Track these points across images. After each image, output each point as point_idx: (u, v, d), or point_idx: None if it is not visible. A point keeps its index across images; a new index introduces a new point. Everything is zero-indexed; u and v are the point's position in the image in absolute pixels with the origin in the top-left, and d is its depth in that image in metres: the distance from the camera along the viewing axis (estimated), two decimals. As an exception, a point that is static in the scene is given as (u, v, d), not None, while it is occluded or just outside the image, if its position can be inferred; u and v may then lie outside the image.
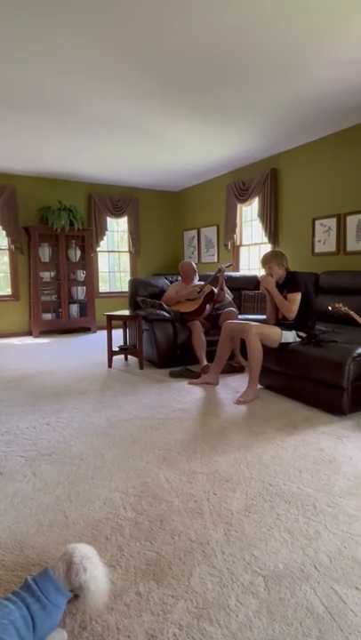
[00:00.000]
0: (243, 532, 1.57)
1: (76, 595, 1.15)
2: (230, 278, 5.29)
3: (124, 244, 7.78)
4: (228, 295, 4.66)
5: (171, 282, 4.95)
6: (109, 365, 4.38)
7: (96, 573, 1.13)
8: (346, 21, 2.69)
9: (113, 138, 4.89)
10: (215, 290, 4.45)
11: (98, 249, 7.26)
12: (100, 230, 7.17)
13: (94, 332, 7.03)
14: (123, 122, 4.40)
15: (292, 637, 1.12)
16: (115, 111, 4.11)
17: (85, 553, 1.16)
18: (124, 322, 4.69)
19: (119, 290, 7.73)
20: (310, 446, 2.33)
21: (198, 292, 4.45)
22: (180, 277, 4.80)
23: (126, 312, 4.56)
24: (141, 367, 4.25)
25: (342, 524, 1.61)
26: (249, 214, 6.41)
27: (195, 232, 7.51)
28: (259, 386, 3.36)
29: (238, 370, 4.06)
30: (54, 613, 1.07)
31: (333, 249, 4.90)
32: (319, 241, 5.08)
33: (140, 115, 4.21)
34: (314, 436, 2.49)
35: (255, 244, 6.29)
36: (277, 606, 1.22)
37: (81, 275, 6.94)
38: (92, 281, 6.98)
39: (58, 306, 6.81)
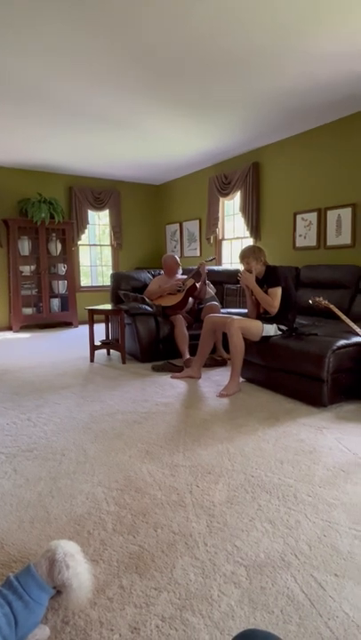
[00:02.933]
0: (225, 523, 1.59)
1: (59, 591, 1.14)
2: (213, 272, 5.30)
3: (106, 238, 7.70)
4: (211, 289, 4.67)
5: (153, 276, 4.94)
6: (91, 360, 4.35)
7: (79, 570, 1.13)
8: (331, 16, 2.70)
9: (94, 129, 4.82)
10: (197, 284, 4.46)
11: (79, 242, 7.17)
12: (82, 223, 7.08)
13: (76, 326, 6.96)
14: (103, 113, 4.33)
15: (273, 625, 1.14)
16: (95, 103, 4.05)
17: (68, 550, 1.15)
18: (107, 316, 4.66)
19: (101, 284, 7.66)
20: (291, 437, 2.37)
21: (181, 286, 4.45)
22: (162, 271, 4.79)
23: (108, 306, 4.53)
24: (124, 361, 4.23)
25: (322, 512, 1.65)
26: (231, 208, 6.42)
27: (177, 226, 7.48)
28: (241, 379, 3.39)
29: (221, 363, 4.08)
30: (37, 610, 1.07)
31: (314, 243, 4.96)
32: (300, 235, 5.13)
33: (121, 107, 4.16)
34: (295, 427, 2.53)
35: (237, 237, 6.32)
36: (259, 595, 1.24)
37: (62, 268, 6.85)
38: (73, 275, 6.90)
39: (38, 300, 6.71)
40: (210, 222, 6.49)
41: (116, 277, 4.78)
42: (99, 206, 7.21)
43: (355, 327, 3.03)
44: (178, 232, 7.48)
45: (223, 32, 2.88)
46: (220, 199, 6.30)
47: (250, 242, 5.85)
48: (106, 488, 1.85)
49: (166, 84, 3.67)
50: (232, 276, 5.40)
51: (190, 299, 4.50)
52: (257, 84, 3.70)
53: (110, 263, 7.74)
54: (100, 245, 7.66)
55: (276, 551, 1.43)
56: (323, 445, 2.27)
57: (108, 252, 7.72)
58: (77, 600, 1.12)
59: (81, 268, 7.42)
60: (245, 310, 3.76)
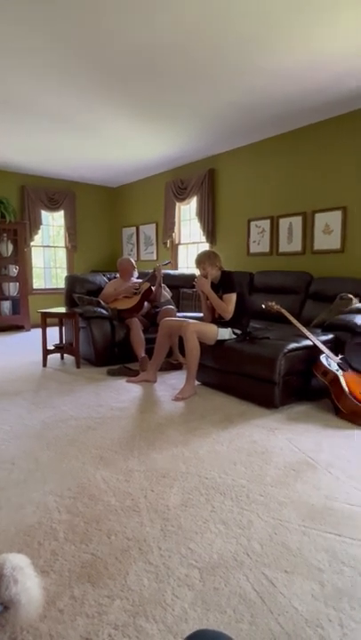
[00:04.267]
0: (179, 526, 1.59)
1: (7, 607, 1.09)
2: (168, 276, 5.32)
3: (61, 240, 7.52)
4: (167, 293, 4.69)
5: (109, 279, 4.88)
6: (44, 365, 4.22)
7: (28, 585, 1.09)
8: (287, 30, 2.81)
9: (48, 129, 4.71)
10: (153, 287, 4.46)
11: (32, 243, 6.95)
12: (35, 224, 6.87)
13: (28, 330, 6.72)
14: (57, 112, 4.24)
15: (225, 625, 1.15)
16: (50, 101, 3.95)
17: (17, 564, 1.11)
18: (60, 319, 4.54)
19: (55, 286, 7.47)
20: (244, 439, 2.42)
21: (136, 290, 4.43)
22: (118, 274, 4.74)
23: (62, 309, 4.42)
24: (78, 366, 4.14)
25: (273, 511, 1.69)
26: (187, 213, 6.49)
27: (133, 229, 7.45)
28: (196, 382, 3.42)
29: (176, 367, 4.10)
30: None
31: (267, 249, 5.12)
32: (254, 241, 5.28)
33: (76, 106, 4.09)
34: (248, 429, 2.59)
35: (193, 242, 6.39)
36: (212, 596, 1.25)
37: (13, 270, 6.60)
38: (25, 277, 6.67)
39: (-12, 302, 6.42)
40: (166, 226, 6.52)
41: (71, 280, 4.68)
42: (53, 207, 7.03)
43: (305, 331, 3.16)
44: (134, 235, 7.45)
45: (179, 41, 2.91)
46: (177, 204, 6.35)
47: (206, 247, 5.94)
48: (58, 496, 1.80)
49: (120, 86, 3.66)
50: (188, 280, 5.45)
51: (146, 302, 4.49)
52: (213, 95, 3.78)
53: (65, 265, 7.56)
54: (55, 247, 7.47)
55: (229, 551, 1.45)
56: (274, 446, 2.34)
57: (62, 253, 7.54)
58: (27, 616, 1.08)
59: (34, 269, 7.19)
60: (201, 314, 3.81)
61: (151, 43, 2.96)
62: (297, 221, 4.74)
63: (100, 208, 7.80)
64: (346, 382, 2.79)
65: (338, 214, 4.35)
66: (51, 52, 3.08)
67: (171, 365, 4.07)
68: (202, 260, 3.33)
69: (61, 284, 7.39)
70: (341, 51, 3.04)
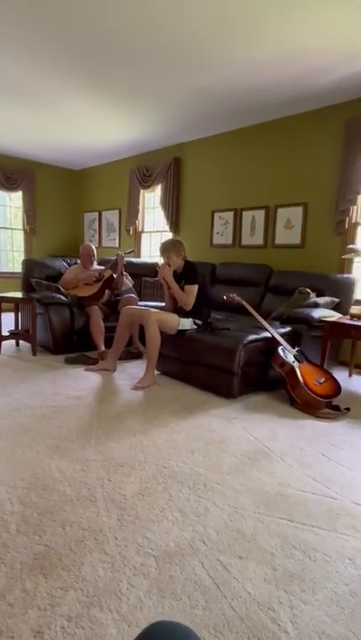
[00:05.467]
0: (136, 515, 1.58)
1: None
2: (131, 264, 5.25)
3: (18, 222, 7.21)
4: (129, 281, 4.62)
5: (69, 264, 4.74)
6: (-2, 351, 4.06)
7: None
8: (258, 21, 2.79)
9: (5, 102, 4.46)
10: (115, 275, 4.38)
11: (-13, 224, 6.62)
12: (-10, 204, 6.54)
13: (-19, 314, 6.43)
14: (14, 85, 4.02)
15: (180, 611, 1.16)
16: (5, 72, 3.73)
17: None
18: (16, 305, 4.37)
19: (11, 270, 7.17)
20: (202, 428, 2.45)
21: (98, 277, 4.33)
22: (79, 260, 4.62)
23: (19, 294, 4.25)
24: (34, 353, 4.01)
25: (229, 499, 1.72)
26: (152, 201, 6.40)
27: (96, 214, 7.28)
28: (156, 372, 3.41)
29: (136, 356, 4.07)
30: None
31: (230, 241, 5.16)
32: (217, 233, 5.30)
33: (37, 81, 3.89)
34: (206, 418, 2.61)
35: (157, 231, 6.33)
36: (167, 584, 1.26)
37: (-34, 251, 6.26)
38: (-21, 259, 6.35)
39: None
40: (130, 213, 6.41)
41: (29, 264, 4.51)
42: (10, 187, 6.72)
43: (264, 323, 3.22)
44: (97, 221, 7.28)
45: (149, 22, 2.83)
46: (141, 191, 6.25)
47: (169, 236, 5.90)
48: (10, 487, 1.74)
49: (85, 65, 3.52)
50: (150, 268, 5.40)
51: (107, 290, 4.41)
52: (181, 80, 3.72)
53: (22, 249, 7.27)
54: (12, 229, 7.16)
55: (185, 539, 1.46)
56: (232, 435, 2.38)
57: (20, 236, 7.24)
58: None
59: (-12, 251, 6.87)
60: (162, 303, 3.79)
61: (119, 21, 2.85)
62: (260, 215, 4.81)
63: (62, 191, 7.54)
64: (301, 373, 2.88)
65: (299, 210, 4.45)
66: (7, 22, 2.90)
67: (131, 354, 4.03)
68: (167, 248, 3.30)
69: (18, 268, 7.11)
70: (316, 46, 3.06)
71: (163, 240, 3.42)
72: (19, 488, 1.74)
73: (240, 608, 1.18)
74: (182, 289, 3.29)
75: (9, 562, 1.31)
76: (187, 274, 3.32)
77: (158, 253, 3.37)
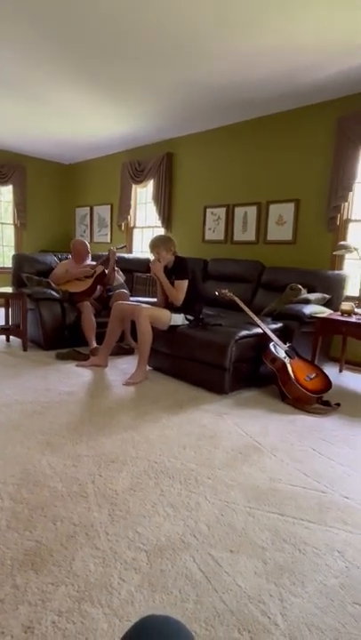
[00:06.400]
0: (127, 510, 1.58)
1: None
2: (123, 260, 5.23)
3: (9, 216, 7.13)
4: (120, 276, 4.60)
5: (60, 259, 4.70)
6: (-12, 347, 4.02)
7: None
8: (254, 16, 2.78)
9: (-4, 94, 4.39)
10: (107, 270, 4.36)
11: (-24, 218, 6.54)
12: (-20, 197, 6.45)
13: (-29, 310, 6.36)
14: (6, 78, 3.96)
15: (171, 605, 1.17)
16: (-1, 64, 3.68)
17: None
18: (7, 300, 4.32)
19: (1, 265, 7.09)
20: (194, 424, 2.45)
21: (91, 272, 4.31)
22: (70, 255, 4.58)
23: (9, 289, 4.21)
24: (25, 349, 3.98)
25: (220, 493, 1.73)
26: (144, 196, 6.37)
27: (87, 210, 7.22)
28: (148, 367, 3.40)
29: (128, 351, 4.06)
30: None
31: (222, 237, 5.16)
32: (209, 229, 5.29)
33: (27, 74, 3.84)
34: (198, 414, 2.62)
35: (149, 226, 6.30)
36: (159, 578, 1.26)
37: None
38: (-32, 253, 6.27)
39: None
40: (122, 209, 6.38)
41: (19, 259, 4.46)
42: (1, 180, 6.63)
43: (256, 319, 3.23)
44: (88, 216, 7.22)
45: (142, 14, 2.80)
46: (133, 186, 6.21)
47: (161, 231, 5.88)
48: (0, 483, 1.73)
49: (76, 58, 3.47)
50: (142, 264, 5.38)
51: (99, 286, 4.38)
52: (174, 74, 3.69)
53: (13, 244, 7.19)
54: (2, 224, 7.08)
55: (176, 534, 1.46)
56: (223, 430, 2.38)
57: (10, 231, 7.16)
58: None
59: (-22, 246, 6.78)
60: (154, 299, 3.78)
61: (111, 13, 2.82)
62: (252, 211, 4.81)
63: (53, 185, 7.46)
64: (292, 369, 2.89)
65: (291, 206, 4.46)
66: (13, 18, 2.85)
67: (122, 350, 4.02)
68: (156, 244, 3.29)
69: (8, 263, 7.03)
70: (312, 42, 3.05)
71: (154, 235, 3.41)
72: (9, 484, 1.73)
73: (231, 601, 1.18)
74: (173, 284, 3.28)
75: (-1, 558, 1.31)
76: (177, 269, 3.32)
77: (149, 249, 3.36)
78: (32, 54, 3.47)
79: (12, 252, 7.08)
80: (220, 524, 1.53)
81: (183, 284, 3.27)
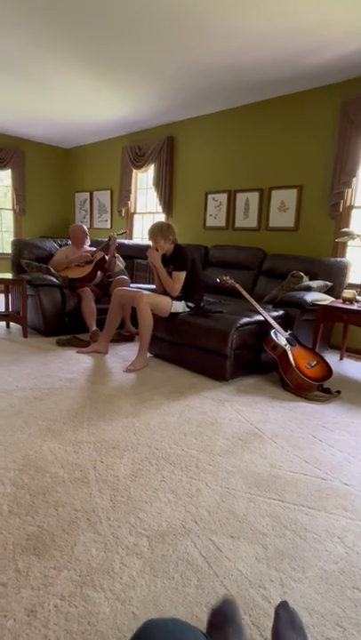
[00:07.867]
0: (129, 496, 1.59)
1: None
2: (123, 246, 5.18)
3: (8, 201, 7.05)
4: (121, 263, 4.57)
5: (60, 245, 4.66)
6: (-12, 333, 4.01)
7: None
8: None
9: (-6, 75, 4.30)
10: (107, 256, 4.33)
11: (-25, 203, 6.46)
12: (-22, 182, 6.37)
13: (-30, 296, 6.34)
14: (4, 59, 3.87)
15: (172, 590, 1.18)
16: (-4, 43, 3.58)
17: None
18: (6, 286, 4.30)
19: (0, 251, 7.04)
20: (195, 410, 2.45)
21: (90, 258, 4.27)
22: (70, 241, 4.54)
23: (9, 275, 4.18)
24: (25, 335, 3.97)
25: (221, 480, 1.74)
26: (145, 181, 6.29)
27: (87, 195, 7.14)
28: (148, 354, 3.40)
29: (128, 338, 4.05)
30: None
31: (223, 224, 5.10)
32: (211, 215, 5.24)
33: (25, 56, 3.74)
34: (198, 400, 2.62)
35: (150, 212, 6.24)
36: (160, 563, 1.27)
37: None
38: (-33, 239, 6.22)
39: None
40: (122, 194, 6.30)
41: (18, 245, 4.42)
42: (-1, 165, 6.54)
43: (257, 306, 3.21)
44: (88, 201, 7.14)
45: (143, -10, 2.72)
46: (134, 171, 6.13)
47: (162, 218, 5.82)
48: (2, 469, 1.73)
49: (75, 38, 3.38)
50: (143, 250, 5.33)
51: (99, 272, 4.35)
52: (176, 54, 3.60)
53: (12, 229, 7.13)
54: (1, 209, 7.00)
55: (177, 519, 1.47)
56: (224, 417, 2.39)
57: (9, 216, 7.09)
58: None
59: (-23, 231, 6.73)
60: (154, 286, 3.76)
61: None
62: (254, 197, 4.75)
63: (52, 170, 7.37)
64: (293, 356, 2.89)
65: (294, 192, 4.40)
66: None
67: (123, 337, 4.01)
68: (154, 232, 3.23)
69: (7, 249, 6.99)
70: (316, 20, 2.96)
71: (155, 222, 3.36)
72: (10, 470, 1.73)
73: (232, 586, 1.19)
74: (170, 274, 3.24)
75: (1, 543, 1.31)
76: (175, 259, 3.26)
77: (148, 237, 3.32)
78: (31, 37, 3.38)
79: (12, 238, 7.03)
80: (221, 510, 1.54)
81: (180, 276, 3.23)
